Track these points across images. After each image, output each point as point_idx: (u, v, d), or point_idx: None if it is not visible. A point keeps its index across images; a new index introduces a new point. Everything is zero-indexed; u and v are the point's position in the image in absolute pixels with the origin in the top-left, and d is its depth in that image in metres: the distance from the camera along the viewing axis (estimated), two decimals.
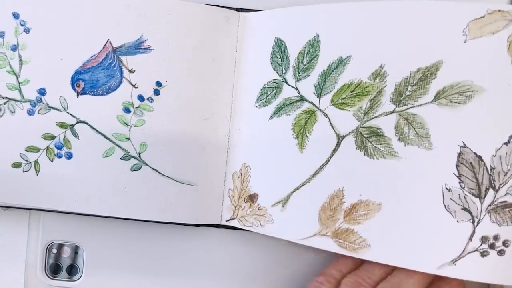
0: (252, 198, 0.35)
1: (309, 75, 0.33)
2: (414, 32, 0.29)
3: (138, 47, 0.34)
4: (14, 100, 0.34)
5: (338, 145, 0.32)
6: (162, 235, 0.37)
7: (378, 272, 0.32)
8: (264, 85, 0.34)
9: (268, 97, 0.34)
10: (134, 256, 0.37)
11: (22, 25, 0.34)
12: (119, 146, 0.34)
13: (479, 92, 0.28)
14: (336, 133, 0.32)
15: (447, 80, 0.29)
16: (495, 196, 0.28)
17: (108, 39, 0.34)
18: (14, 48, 0.34)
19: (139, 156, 0.34)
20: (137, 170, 0.34)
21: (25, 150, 0.34)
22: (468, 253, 0.28)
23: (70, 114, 0.34)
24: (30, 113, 0.34)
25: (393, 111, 0.30)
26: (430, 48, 0.29)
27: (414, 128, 0.29)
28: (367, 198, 0.31)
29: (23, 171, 0.34)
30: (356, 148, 0.31)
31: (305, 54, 0.33)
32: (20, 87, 0.34)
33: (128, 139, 0.34)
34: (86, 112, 0.34)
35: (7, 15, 0.34)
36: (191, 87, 0.34)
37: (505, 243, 0.28)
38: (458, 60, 0.28)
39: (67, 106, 0.34)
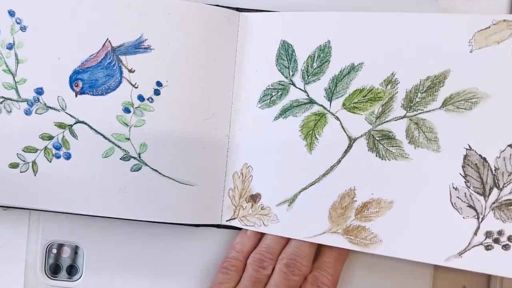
0: (254, 198, 0.35)
1: (319, 79, 0.33)
2: (424, 43, 0.31)
3: (138, 47, 0.33)
4: (11, 99, 0.33)
5: (349, 146, 0.33)
6: (162, 235, 0.37)
7: (276, 245, 0.34)
8: (268, 86, 0.34)
9: (272, 98, 0.34)
10: (134, 256, 0.37)
11: (18, 23, 0.33)
12: (118, 147, 0.34)
13: (484, 98, 0.30)
14: (347, 135, 0.33)
15: (454, 87, 0.31)
16: (499, 195, 0.30)
17: (107, 38, 0.33)
18: (10, 46, 0.33)
19: (139, 157, 0.34)
20: (137, 170, 0.34)
21: (23, 150, 0.34)
22: (473, 247, 0.30)
23: (69, 114, 0.34)
24: (27, 113, 0.33)
25: (404, 116, 0.32)
26: (438, 58, 0.31)
27: (424, 132, 0.31)
28: (379, 197, 0.32)
29: (21, 172, 0.34)
30: (368, 150, 0.32)
31: (315, 59, 0.33)
32: (16, 86, 0.33)
33: (128, 139, 0.34)
34: (85, 112, 0.34)
35: (2, 13, 0.33)
36: (191, 87, 0.34)
37: (510, 239, 0.30)
38: (465, 69, 0.30)
39: (66, 106, 0.33)
